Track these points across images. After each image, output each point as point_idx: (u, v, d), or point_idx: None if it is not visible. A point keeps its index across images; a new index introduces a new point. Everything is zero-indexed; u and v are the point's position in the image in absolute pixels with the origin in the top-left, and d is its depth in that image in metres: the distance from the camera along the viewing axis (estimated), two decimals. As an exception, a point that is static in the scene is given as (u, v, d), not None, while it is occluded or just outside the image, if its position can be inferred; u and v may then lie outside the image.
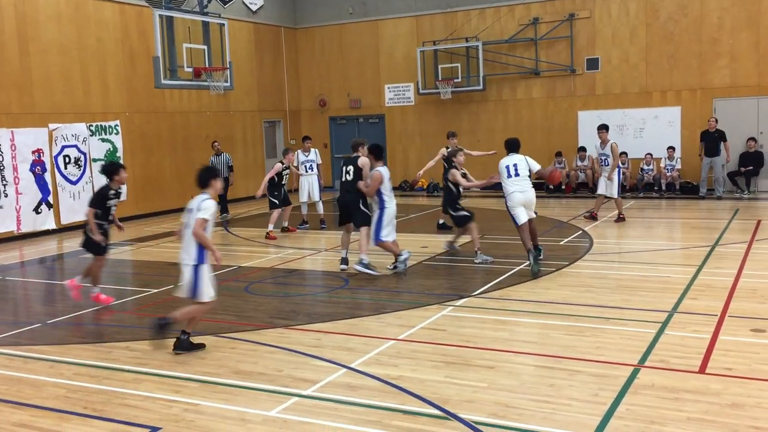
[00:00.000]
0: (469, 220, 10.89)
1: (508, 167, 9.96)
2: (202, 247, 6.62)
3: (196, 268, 6.63)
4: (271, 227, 13.60)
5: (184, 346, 6.77)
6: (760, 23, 17.27)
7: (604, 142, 13.88)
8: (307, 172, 14.61)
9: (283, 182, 13.89)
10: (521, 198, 9.85)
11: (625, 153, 18.15)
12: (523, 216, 9.82)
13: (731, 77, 17.72)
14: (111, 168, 8.69)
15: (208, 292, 6.71)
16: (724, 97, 17.82)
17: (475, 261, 10.50)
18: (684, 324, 7.07)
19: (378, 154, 10.03)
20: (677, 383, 5.52)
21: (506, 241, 12.30)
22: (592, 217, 14.08)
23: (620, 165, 13.77)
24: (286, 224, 14.24)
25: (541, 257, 10.13)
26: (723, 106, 17.79)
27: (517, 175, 9.91)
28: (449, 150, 12.66)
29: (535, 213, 10.36)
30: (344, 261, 10.35)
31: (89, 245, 8.73)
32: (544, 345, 6.61)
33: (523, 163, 10.00)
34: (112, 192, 8.67)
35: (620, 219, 13.73)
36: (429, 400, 5.40)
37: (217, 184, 6.83)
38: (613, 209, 14.28)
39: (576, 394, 5.41)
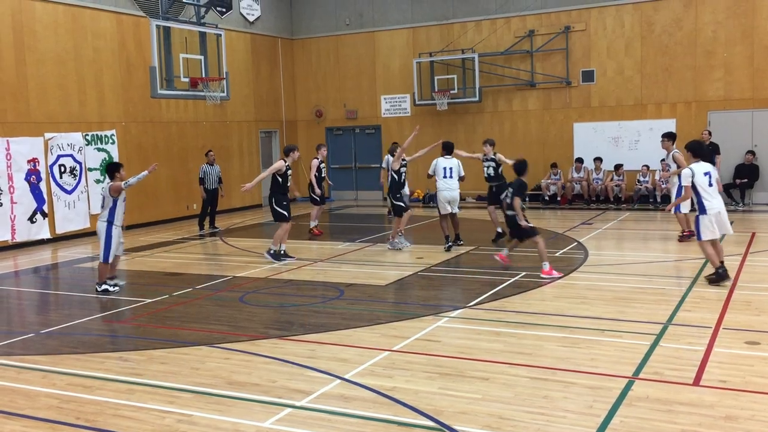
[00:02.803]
0: (404, 210, 12.60)
1: (444, 169, 12.35)
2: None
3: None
4: (314, 224, 14.74)
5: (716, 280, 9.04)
6: (754, 36, 17.38)
7: (668, 152, 12.60)
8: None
9: (323, 176, 14.84)
10: (448, 196, 12.28)
11: (620, 166, 18.19)
12: (445, 209, 12.39)
13: (726, 90, 17.81)
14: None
15: None
16: (718, 110, 17.90)
17: (389, 246, 12.60)
18: (678, 336, 7.08)
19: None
20: (671, 395, 5.52)
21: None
22: (687, 235, 12.38)
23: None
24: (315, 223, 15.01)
25: (461, 243, 12.58)
26: (717, 119, 17.87)
27: (451, 177, 12.30)
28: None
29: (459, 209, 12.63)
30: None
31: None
32: (539, 356, 6.61)
33: (456, 167, 12.39)
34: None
35: (684, 236, 12.40)
36: (423, 411, 5.39)
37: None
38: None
39: (570, 405, 5.41)
